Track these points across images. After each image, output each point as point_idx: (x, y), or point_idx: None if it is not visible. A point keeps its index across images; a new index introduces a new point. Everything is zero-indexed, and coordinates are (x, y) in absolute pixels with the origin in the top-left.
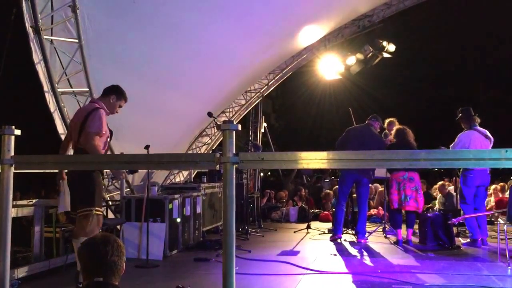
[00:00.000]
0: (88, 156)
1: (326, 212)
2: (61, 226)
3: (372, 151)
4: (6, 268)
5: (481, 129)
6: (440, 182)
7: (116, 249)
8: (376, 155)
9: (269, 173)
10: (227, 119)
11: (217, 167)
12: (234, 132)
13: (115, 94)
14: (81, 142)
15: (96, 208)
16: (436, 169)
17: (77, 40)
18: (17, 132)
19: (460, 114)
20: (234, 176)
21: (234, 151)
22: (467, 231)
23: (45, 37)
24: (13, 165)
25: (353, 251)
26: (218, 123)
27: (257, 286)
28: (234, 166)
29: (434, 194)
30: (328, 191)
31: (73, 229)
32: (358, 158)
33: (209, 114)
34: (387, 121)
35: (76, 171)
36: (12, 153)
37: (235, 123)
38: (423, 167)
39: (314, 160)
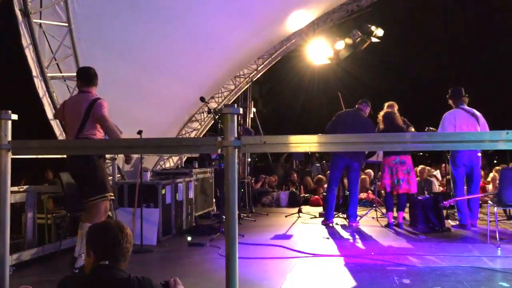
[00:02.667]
0: (87, 141)
1: (316, 197)
2: (53, 212)
3: (362, 134)
4: (6, 253)
5: (467, 107)
6: (421, 166)
7: (129, 236)
8: (365, 138)
9: (257, 159)
10: (216, 104)
11: (219, 150)
12: (235, 115)
13: (97, 79)
14: (86, 131)
15: (105, 195)
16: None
17: (66, 24)
18: (14, 116)
19: (449, 94)
20: (236, 160)
21: (236, 135)
22: (455, 214)
23: (34, 20)
24: (10, 150)
25: (345, 234)
26: (210, 108)
27: (253, 269)
28: (236, 150)
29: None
30: (321, 176)
31: (82, 214)
32: (359, 141)
33: (202, 99)
34: (386, 104)
35: (81, 162)
36: (10, 138)
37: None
38: (410, 150)
39: (315, 143)
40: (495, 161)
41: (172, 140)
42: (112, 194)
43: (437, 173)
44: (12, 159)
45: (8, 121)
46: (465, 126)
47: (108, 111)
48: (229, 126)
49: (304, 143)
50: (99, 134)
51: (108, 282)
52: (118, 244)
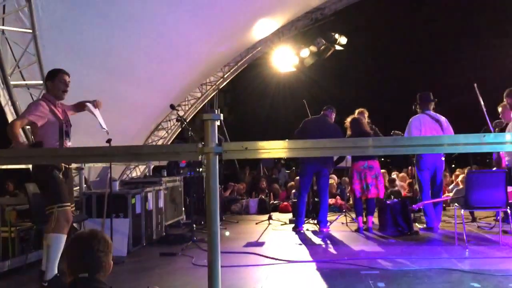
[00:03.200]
0: (61, 150)
1: (285, 203)
2: (16, 226)
3: (328, 139)
4: None
5: (432, 113)
6: (382, 170)
7: (102, 245)
8: (332, 143)
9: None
10: (183, 112)
11: (200, 157)
12: (216, 122)
13: (48, 80)
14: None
15: (59, 205)
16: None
17: (31, 30)
18: None
19: (417, 98)
20: (217, 167)
21: (216, 141)
22: (422, 217)
23: None
24: None
25: (317, 240)
26: (179, 115)
27: (228, 277)
28: (217, 156)
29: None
30: (292, 182)
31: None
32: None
33: (172, 107)
34: (357, 111)
35: (35, 172)
36: None
37: (191, 116)
38: (375, 154)
39: (298, 148)
40: (453, 165)
41: (151, 148)
42: (65, 205)
43: (395, 176)
44: None
45: None
46: (429, 131)
47: (32, 111)
48: (210, 132)
49: (286, 148)
50: (49, 142)
51: None
52: (89, 254)
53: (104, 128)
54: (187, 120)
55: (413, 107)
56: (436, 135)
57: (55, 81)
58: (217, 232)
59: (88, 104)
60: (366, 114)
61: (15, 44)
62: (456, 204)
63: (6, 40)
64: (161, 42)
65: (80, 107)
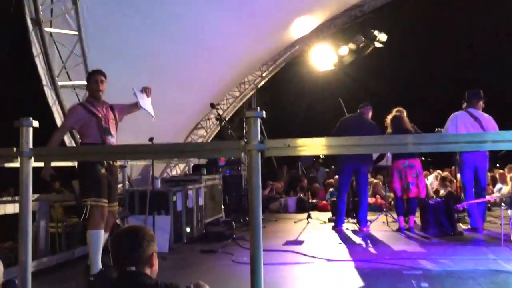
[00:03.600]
0: (110, 147)
1: (324, 202)
2: (63, 221)
3: (364, 137)
4: (28, 260)
5: (474, 110)
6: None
7: (147, 238)
8: (368, 140)
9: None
10: (222, 112)
11: (242, 155)
12: (259, 119)
13: (87, 81)
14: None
15: (94, 199)
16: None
17: (77, 33)
18: (35, 123)
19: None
20: (260, 164)
21: (259, 138)
22: (466, 217)
23: (45, 29)
24: (32, 157)
25: (357, 239)
26: (219, 114)
27: (268, 275)
28: (259, 154)
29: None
30: (331, 180)
31: None
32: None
33: (212, 105)
34: (394, 110)
35: (78, 166)
36: (31, 145)
37: (229, 115)
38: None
39: (338, 145)
40: (497, 165)
41: (195, 145)
42: (99, 200)
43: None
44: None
45: (29, 128)
46: (465, 129)
47: (69, 117)
48: (252, 130)
49: (327, 145)
50: (86, 139)
51: None
52: (136, 247)
53: (153, 117)
54: (226, 119)
55: (462, 105)
56: (478, 132)
57: (91, 83)
58: (260, 229)
59: (134, 89)
60: (404, 113)
61: (62, 45)
62: (502, 204)
63: (53, 42)
64: (200, 42)
65: (135, 105)
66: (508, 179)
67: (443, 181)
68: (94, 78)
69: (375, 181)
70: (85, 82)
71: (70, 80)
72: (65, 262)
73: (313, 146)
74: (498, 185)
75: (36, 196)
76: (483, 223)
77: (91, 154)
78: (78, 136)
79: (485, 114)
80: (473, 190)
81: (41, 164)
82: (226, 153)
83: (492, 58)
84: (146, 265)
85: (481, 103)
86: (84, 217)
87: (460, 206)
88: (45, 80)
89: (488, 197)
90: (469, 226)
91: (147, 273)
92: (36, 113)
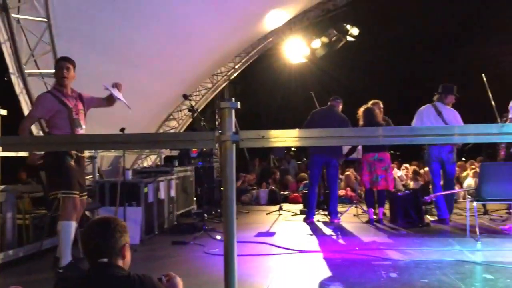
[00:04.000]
0: (75, 137)
1: (295, 194)
2: (31, 213)
3: (336, 129)
4: None
5: (440, 104)
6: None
7: (119, 229)
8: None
9: None
10: (194, 103)
11: (216, 145)
12: (233, 110)
13: (54, 69)
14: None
15: (64, 191)
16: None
17: (46, 19)
18: (3, 112)
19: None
20: (234, 155)
21: (233, 129)
22: (433, 209)
23: (12, 15)
24: (0, 147)
25: (328, 231)
26: (192, 105)
27: (240, 267)
28: (234, 145)
29: None
30: (303, 174)
31: None
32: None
33: (184, 96)
34: (370, 102)
35: (45, 157)
36: None
37: (202, 106)
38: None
39: (312, 137)
40: (463, 158)
41: (169, 135)
42: (71, 192)
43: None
44: None
45: None
46: (429, 123)
47: (38, 107)
48: (227, 121)
49: (301, 137)
50: (55, 131)
51: (107, 281)
52: (108, 238)
53: (129, 107)
54: (198, 110)
55: (433, 97)
56: (447, 125)
57: (56, 69)
58: (234, 220)
59: (106, 85)
60: (381, 106)
61: (30, 33)
62: (468, 196)
63: (21, 29)
64: (173, 31)
65: (110, 100)
66: (469, 171)
67: (414, 174)
68: (60, 64)
69: (347, 173)
70: (53, 71)
71: (38, 68)
72: (32, 254)
73: (287, 138)
74: (468, 180)
75: (2, 187)
76: (449, 215)
77: (62, 144)
78: (45, 125)
79: (449, 108)
80: (440, 182)
81: (7, 153)
82: (200, 144)
83: (468, 47)
84: (118, 256)
85: (450, 97)
86: (55, 209)
87: (428, 198)
88: (12, 67)
89: (453, 190)
90: (436, 218)
91: (120, 265)
92: (1, 102)
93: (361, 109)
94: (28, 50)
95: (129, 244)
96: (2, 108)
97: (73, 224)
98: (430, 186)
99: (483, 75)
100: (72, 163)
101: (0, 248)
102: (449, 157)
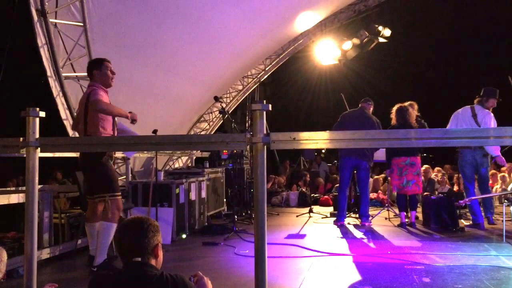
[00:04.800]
0: (113, 138)
1: (326, 197)
2: (66, 212)
3: (368, 131)
4: (34, 250)
5: (478, 107)
6: (426, 166)
7: (152, 229)
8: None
9: None
10: (225, 105)
11: (247, 147)
12: (264, 112)
13: (95, 68)
14: (89, 128)
15: (112, 194)
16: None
17: (82, 24)
18: (42, 114)
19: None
20: (265, 157)
21: (265, 131)
22: (468, 214)
23: (50, 20)
24: (39, 148)
25: (359, 234)
26: (222, 107)
27: (271, 269)
28: (265, 147)
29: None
30: (335, 176)
31: (86, 213)
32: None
33: (216, 98)
34: (407, 103)
35: (87, 158)
36: (37, 135)
37: (232, 108)
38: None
39: (345, 139)
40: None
41: (201, 137)
42: (117, 194)
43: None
44: (7, 159)
45: (36, 118)
46: (464, 125)
47: (104, 96)
48: (258, 123)
49: (333, 139)
50: (103, 131)
51: (141, 280)
52: (142, 238)
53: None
54: (229, 112)
55: (474, 99)
56: (481, 128)
57: (103, 69)
58: (265, 221)
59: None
60: (416, 107)
61: (67, 37)
62: (505, 201)
63: (58, 33)
64: (205, 35)
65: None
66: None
67: (445, 178)
68: (107, 65)
69: (376, 177)
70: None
71: (74, 71)
72: (68, 252)
73: (318, 140)
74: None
75: (40, 186)
76: (492, 215)
77: (99, 145)
78: (88, 125)
79: (485, 110)
80: (475, 186)
81: (47, 154)
82: (232, 146)
83: (502, 49)
84: (151, 255)
85: (492, 101)
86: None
87: (462, 202)
88: (49, 71)
89: (488, 194)
90: (470, 222)
91: (153, 264)
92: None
93: (395, 108)
94: (64, 54)
95: (161, 244)
96: (41, 110)
97: (115, 226)
98: (464, 190)
99: (509, 77)
100: (112, 164)
101: (37, 246)
102: (483, 161)
